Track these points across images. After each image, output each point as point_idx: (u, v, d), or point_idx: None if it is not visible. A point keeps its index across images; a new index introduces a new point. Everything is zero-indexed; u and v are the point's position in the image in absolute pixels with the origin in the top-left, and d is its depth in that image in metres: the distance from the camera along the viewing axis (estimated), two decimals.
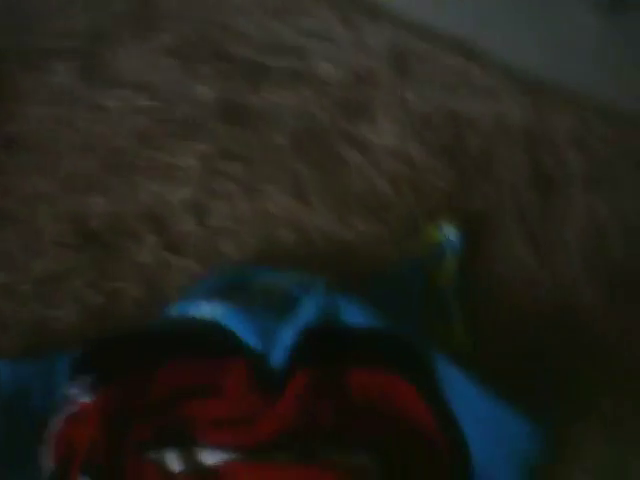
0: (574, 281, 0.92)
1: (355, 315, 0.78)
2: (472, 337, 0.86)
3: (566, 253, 0.94)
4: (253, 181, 1.02)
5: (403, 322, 0.81)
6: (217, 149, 1.05)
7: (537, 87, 1.09)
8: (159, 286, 0.92)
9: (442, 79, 1.13)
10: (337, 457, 0.68)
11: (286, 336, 0.76)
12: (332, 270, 0.92)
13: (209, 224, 0.98)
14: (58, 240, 0.95)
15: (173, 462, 0.66)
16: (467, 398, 0.71)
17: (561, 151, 1.03)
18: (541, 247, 0.95)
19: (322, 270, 0.91)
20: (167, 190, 1.01)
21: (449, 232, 0.94)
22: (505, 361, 0.84)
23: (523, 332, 0.88)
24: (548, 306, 0.90)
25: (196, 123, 1.08)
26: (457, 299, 0.90)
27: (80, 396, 0.70)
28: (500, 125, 1.06)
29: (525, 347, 0.87)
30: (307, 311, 0.78)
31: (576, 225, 0.97)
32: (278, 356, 0.75)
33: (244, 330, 0.77)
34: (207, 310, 0.78)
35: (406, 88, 1.11)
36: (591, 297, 0.90)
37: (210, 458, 0.66)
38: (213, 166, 1.03)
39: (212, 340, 0.76)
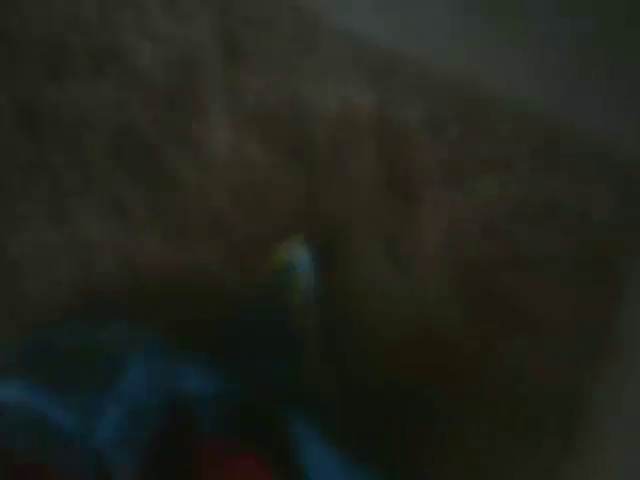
0: (436, 295, 0.85)
1: (196, 379, 0.66)
2: (332, 375, 0.78)
3: (426, 263, 0.86)
4: (61, 200, 0.84)
5: (258, 372, 0.71)
6: (13, 164, 0.85)
7: (389, 63, 0.96)
8: None
9: (282, 56, 0.97)
10: None
11: (109, 418, 0.62)
12: (168, 311, 0.78)
13: (8, 258, 0.80)
14: None
15: None
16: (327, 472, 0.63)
17: (416, 140, 0.93)
18: (400, 258, 0.86)
19: (154, 311, 0.78)
20: None
21: (299, 252, 0.82)
22: (365, 398, 0.77)
23: (385, 361, 0.81)
24: (411, 327, 0.83)
25: None
26: (315, 330, 0.80)
27: None
28: (348, 112, 0.94)
29: (387, 378, 0.80)
30: (134, 381, 0.64)
31: (436, 227, 0.89)
32: (100, 444, 0.61)
33: (52, 414, 0.62)
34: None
35: (240, 70, 0.95)
36: (453, 313, 0.84)
37: None
38: None
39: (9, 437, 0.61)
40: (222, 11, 0.99)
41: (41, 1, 0.94)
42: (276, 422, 0.65)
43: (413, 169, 0.91)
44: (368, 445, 0.68)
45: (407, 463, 0.71)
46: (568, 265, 0.86)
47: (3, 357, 0.69)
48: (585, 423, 0.82)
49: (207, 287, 0.81)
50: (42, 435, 0.62)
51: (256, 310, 0.80)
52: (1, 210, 0.83)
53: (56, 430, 0.62)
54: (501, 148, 0.95)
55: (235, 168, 0.88)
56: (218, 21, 0.98)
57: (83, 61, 0.92)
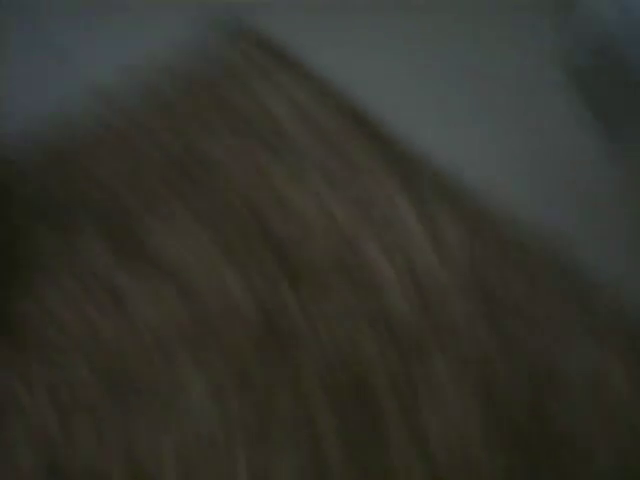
0: None
1: None
2: None
3: None
4: (263, 449, 0.79)
5: None
6: (236, 381, 0.84)
7: None
8: None
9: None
10: None
11: None
12: None
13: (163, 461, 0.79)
14: None
15: None
16: None
17: None
18: None
19: None
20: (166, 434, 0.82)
21: None
22: None
23: None
24: None
25: (218, 332, 0.89)
26: None
27: None
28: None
29: None
30: None
31: None
32: None
33: None
34: None
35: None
36: None
37: None
38: (226, 407, 0.83)
39: None
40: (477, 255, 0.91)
41: (299, 205, 0.95)
42: None
43: None
44: None
45: None
46: None
47: None
48: None
49: None
50: None
51: None
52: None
53: None
54: None
55: (451, 455, 0.78)
56: (472, 266, 0.91)
57: (321, 270, 0.90)
